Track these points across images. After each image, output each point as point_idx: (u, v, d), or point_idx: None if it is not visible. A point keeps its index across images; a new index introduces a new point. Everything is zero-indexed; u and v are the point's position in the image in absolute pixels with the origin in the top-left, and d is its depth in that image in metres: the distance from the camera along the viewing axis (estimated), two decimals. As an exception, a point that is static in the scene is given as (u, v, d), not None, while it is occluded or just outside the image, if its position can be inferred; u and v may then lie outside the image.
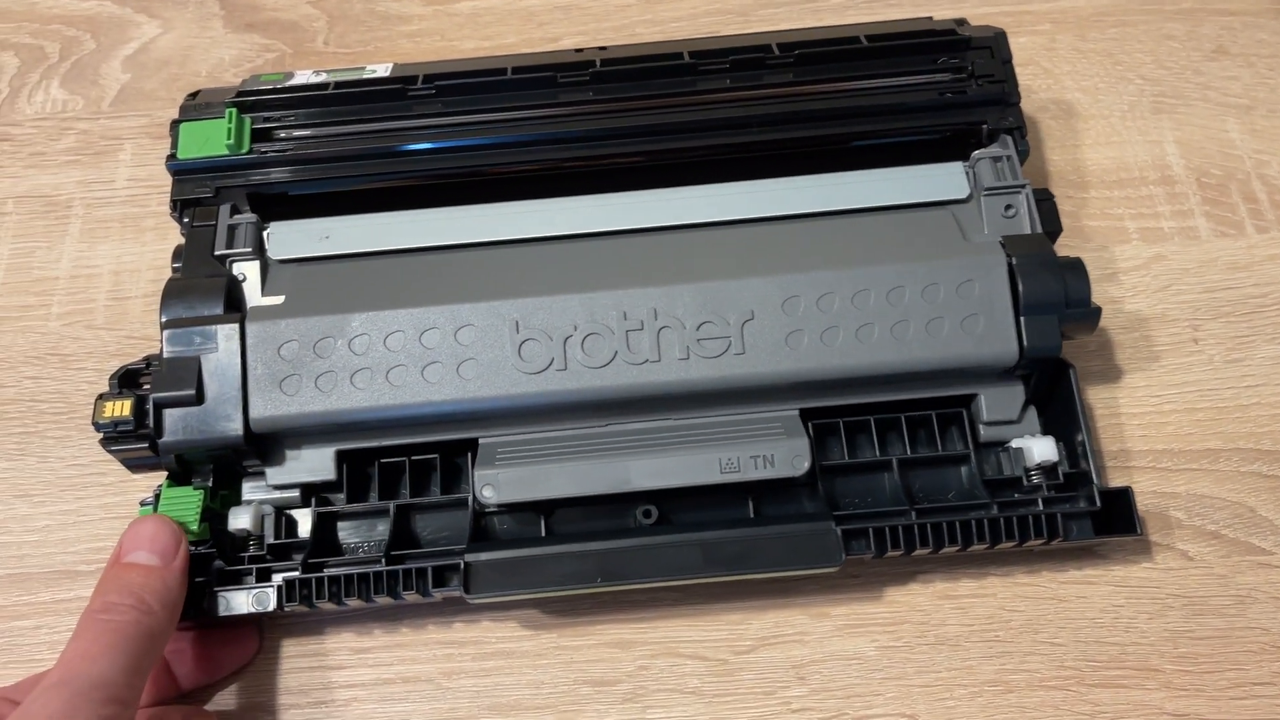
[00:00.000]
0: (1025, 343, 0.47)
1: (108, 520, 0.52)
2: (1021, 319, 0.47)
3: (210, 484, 0.48)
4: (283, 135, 0.53)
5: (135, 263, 0.58)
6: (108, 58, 0.64)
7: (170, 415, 0.46)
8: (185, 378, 0.46)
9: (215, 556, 0.47)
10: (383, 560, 0.46)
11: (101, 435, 0.46)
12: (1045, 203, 0.50)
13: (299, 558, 0.47)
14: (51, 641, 0.50)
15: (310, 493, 0.49)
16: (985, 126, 0.52)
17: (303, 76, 0.55)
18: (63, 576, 0.51)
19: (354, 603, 0.46)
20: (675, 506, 0.49)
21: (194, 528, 0.46)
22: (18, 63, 0.64)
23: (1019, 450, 0.49)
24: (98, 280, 0.58)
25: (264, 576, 0.47)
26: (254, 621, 0.49)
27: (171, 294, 0.48)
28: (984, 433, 0.49)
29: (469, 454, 0.49)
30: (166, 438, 0.46)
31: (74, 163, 0.61)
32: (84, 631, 0.40)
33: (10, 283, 0.58)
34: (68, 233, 0.59)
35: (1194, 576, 0.50)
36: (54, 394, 0.55)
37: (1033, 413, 0.49)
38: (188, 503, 0.46)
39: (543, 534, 0.49)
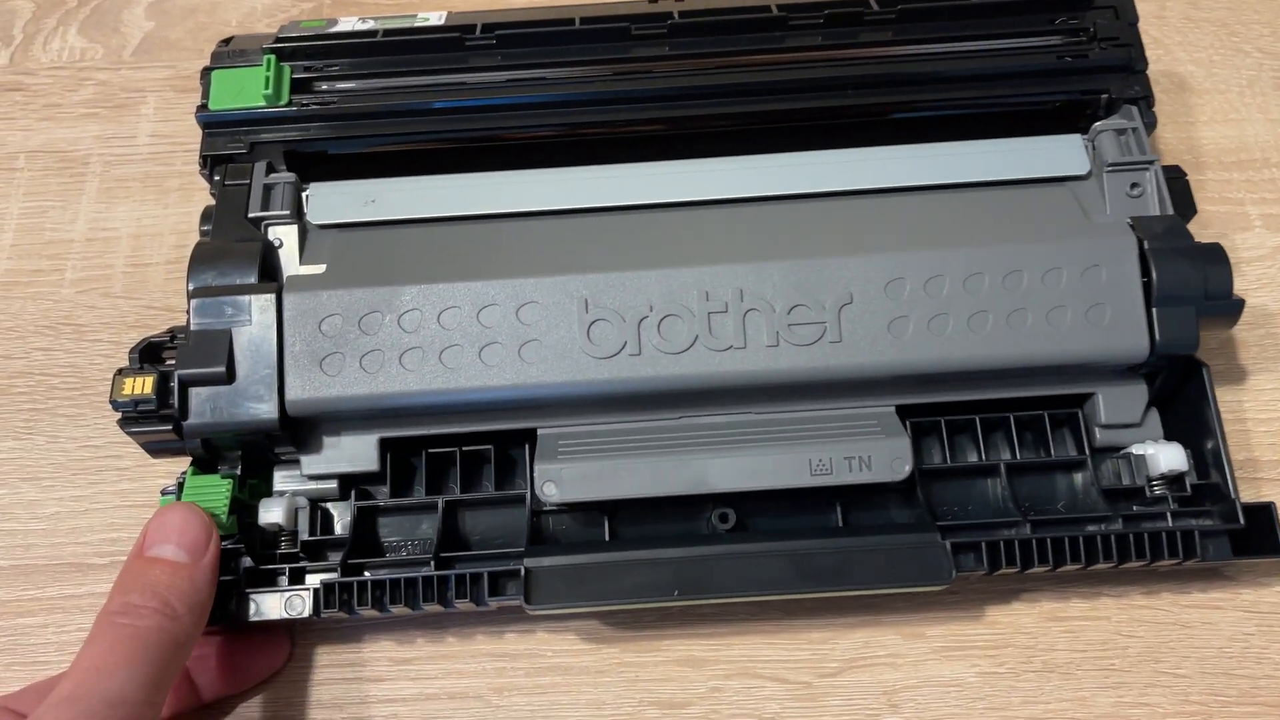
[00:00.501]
0: (1157, 337, 0.41)
1: (123, 508, 0.47)
2: (1154, 310, 0.42)
3: (239, 472, 0.43)
4: (325, 88, 0.48)
5: (157, 226, 0.53)
6: (130, 4, 0.59)
7: (197, 395, 0.41)
8: (214, 353, 0.41)
9: (243, 553, 0.42)
10: (431, 563, 0.41)
11: (120, 415, 0.41)
12: (1176, 181, 0.45)
13: (336, 557, 0.43)
14: (59, 642, 0.45)
15: (349, 484, 0.44)
16: (1106, 96, 0.47)
17: (348, 24, 0.49)
18: (72, 570, 0.46)
19: (399, 610, 0.41)
20: (752, 510, 0.44)
21: (222, 520, 0.41)
22: (33, 7, 0.59)
23: (1140, 458, 0.44)
24: (116, 244, 0.53)
25: (297, 578, 0.42)
26: (285, 626, 0.44)
27: (200, 259, 0.43)
28: (1100, 436, 0.44)
29: (525, 445, 0.44)
30: (192, 420, 0.41)
31: (92, 116, 0.56)
32: (100, 637, 0.36)
33: (21, 245, 0.53)
34: (84, 192, 0.54)
35: (1333, 603, 0.44)
36: (66, 367, 0.50)
37: (1155, 416, 0.44)
38: (215, 493, 0.41)
39: (607, 538, 0.44)
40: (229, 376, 0.41)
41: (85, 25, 0.58)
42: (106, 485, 0.48)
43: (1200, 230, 0.51)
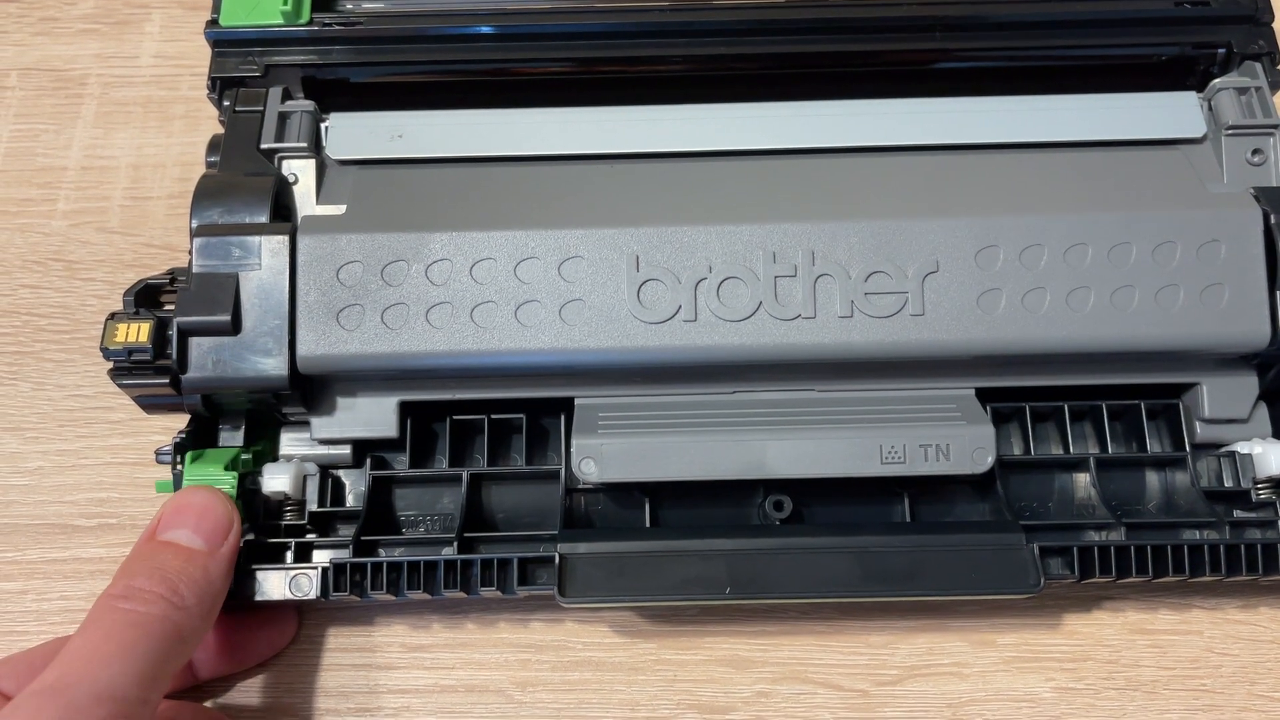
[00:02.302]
0: None
1: (114, 465, 0.43)
2: (1278, 294, 0.37)
3: (242, 457, 0.38)
4: (349, 6, 0.43)
5: (159, 156, 0.49)
6: (137, -92, 0.54)
7: (198, 345, 0.37)
8: (219, 300, 0.36)
9: (246, 524, 0.38)
10: (454, 544, 0.37)
11: (111, 364, 0.37)
12: (1305, 151, 0.40)
13: (347, 531, 0.39)
14: (39, 610, 0.41)
15: (363, 451, 0.40)
16: (1223, 51, 0.42)
17: (376, -64, 0.44)
18: (56, 531, 0.42)
19: (416, 595, 0.37)
20: (809, 497, 0.40)
21: None
22: (29, -92, 0.54)
23: (1246, 457, 0.39)
24: (113, 174, 0.48)
25: (304, 554, 0.38)
26: (287, 607, 0.40)
27: (206, 194, 0.38)
28: (1200, 431, 0.40)
29: (561, 415, 0.40)
30: (191, 373, 0.37)
31: (91, 32, 0.52)
32: (97, 622, 0.32)
33: (9, 171, 0.49)
34: (80, 115, 0.50)
35: None
36: (56, 308, 0.46)
37: (1264, 412, 0.40)
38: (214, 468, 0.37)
39: (649, 523, 0.39)
40: (234, 327, 0.36)
41: (87, -69, 0.53)
42: (96, 440, 0.44)
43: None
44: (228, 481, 0.37)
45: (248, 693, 0.40)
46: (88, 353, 0.45)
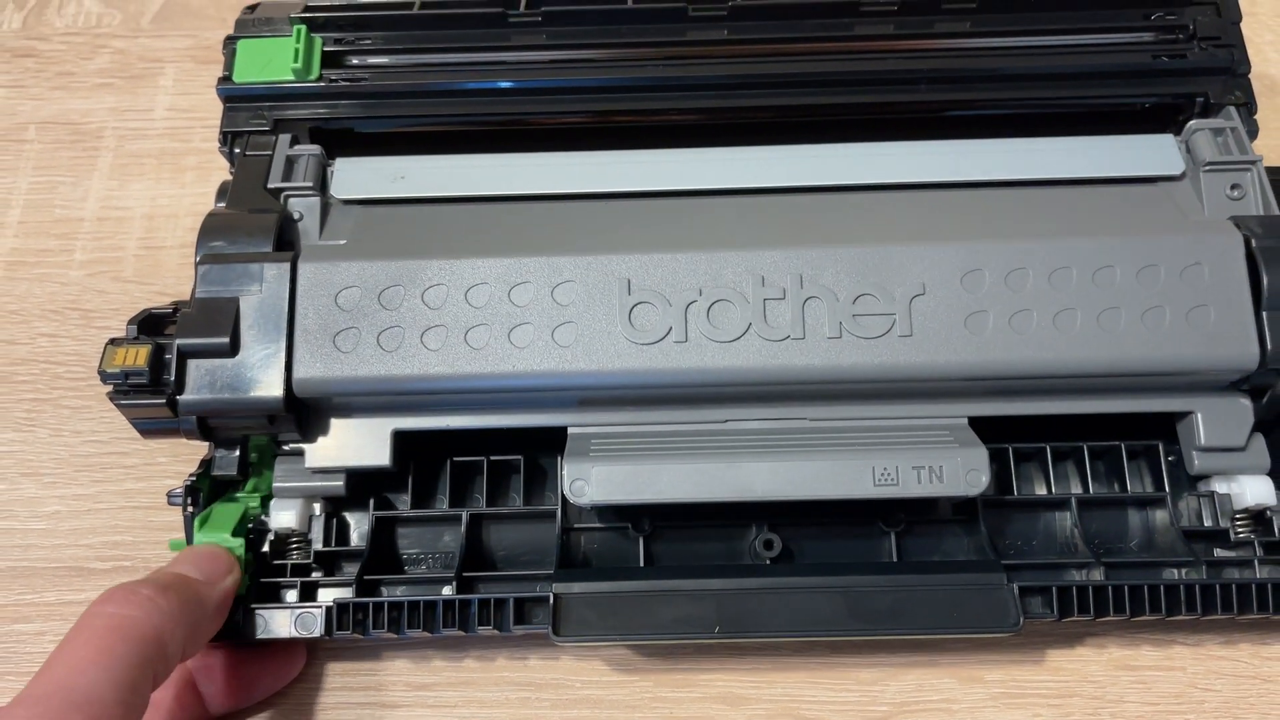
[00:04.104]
0: (1269, 345, 0.37)
1: (128, 510, 0.45)
2: (1264, 315, 0.37)
3: (237, 471, 0.40)
4: (356, 62, 0.45)
5: (172, 206, 0.50)
6: (152, -33, 0.56)
7: (196, 367, 0.38)
8: (218, 322, 0.37)
9: (252, 564, 0.39)
10: (453, 584, 0.38)
11: (110, 387, 0.38)
12: (1281, 184, 0.41)
13: (351, 569, 0.40)
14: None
15: (358, 483, 0.41)
16: (1201, 100, 0.43)
17: (381, -6, 0.46)
18: (72, 574, 0.44)
19: (417, 634, 0.38)
20: (799, 537, 0.41)
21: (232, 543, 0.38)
22: (49, -33, 0.56)
23: (1225, 496, 0.40)
24: (128, 225, 0.50)
25: (309, 593, 0.39)
26: (294, 641, 0.41)
27: (212, 229, 0.39)
28: (1198, 462, 0.40)
29: (557, 457, 0.41)
30: (188, 395, 0.37)
31: (107, 86, 0.53)
32: (80, 629, 0.32)
33: (29, 222, 0.50)
34: (96, 167, 0.51)
35: None
36: (72, 355, 0.47)
37: (1260, 444, 0.40)
38: (225, 518, 0.38)
39: (642, 562, 0.40)
40: (232, 349, 0.37)
41: (104, -11, 0.55)
42: (111, 484, 0.45)
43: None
44: (235, 545, 0.38)
45: (256, 728, 0.41)
46: (103, 399, 0.46)
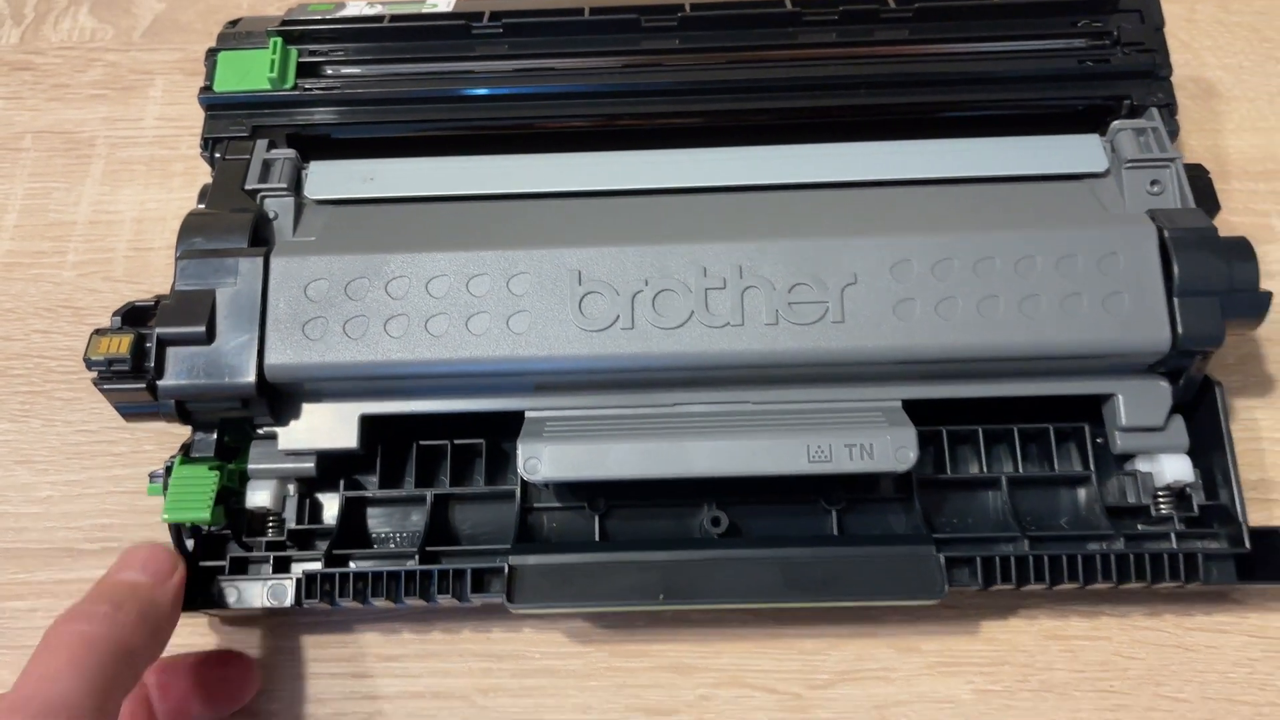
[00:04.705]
0: (1180, 330, 0.39)
1: (116, 494, 0.47)
2: (1175, 301, 0.40)
3: (213, 453, 0.42)
4: (330, 72, 0.47)
5: (160, 210, 0.53)
6: (143, -16, 0.59)
7: (174, 355, 0.40)
8: (195, 312, 0.40)
9: (230, 539, 0.42)
10: (416, 557, 0.41)
11: (94, 374, 0.41)
12: (1199, 179, 0.43)
13: (322, 546, 0.42)
14: (47, 627, 0.45)
15: (328, 465, 0.43)
16: (1127, 102, 0.45)
17: (355, 8, 0.49)
18: (63, 554, 0.46)
19: (381, 603, 0.40)
20: (746, 516, 0.43)
21: (205, 515, 0.40)
22: (46, -15, 0.59)
23: (1147, 474, 0.42)
24: (119, 228, 0.53)
25: (282, 566, 0.42)
26: (251, 661, 0.43)
27: (191, 227, 0.42)
28: (1120, 442, 0.42)
29: (517, 440, 0.44)
30: (167, 380, 0.40)
31: (100, 97, 0.56)
32: (47, 644, 0.34)
33: (24, 226, 0.53)
34: (89, 174, 0.54)
35: (1344, 631, 0.43)
36: (65, 350, 0.50)
37: (1180, 424, 0.42)
38: (200, 484, 0.41)
39: (597, 538, 0.43)
40: (209, 337, 0.40)
41: (97, 5, 0.58)
42: (100, 470, 0.48)
43: (1221, 242, 0.50)
44: (210, 478, 0.40)
45: (234, 699, 0.44)
46: (93, 392, 0.48)
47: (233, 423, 0.42)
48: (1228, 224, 0.50)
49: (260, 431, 0.43)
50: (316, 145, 0.47)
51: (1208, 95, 0.54)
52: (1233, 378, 0.47)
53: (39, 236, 0.53)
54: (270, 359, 0.40)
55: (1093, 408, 0.43)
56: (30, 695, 0.32)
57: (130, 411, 0.42)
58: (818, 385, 0.42)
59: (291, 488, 0.43)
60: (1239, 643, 0.43)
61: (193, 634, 0.44)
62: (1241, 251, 0.40)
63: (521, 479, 0.42)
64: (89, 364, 0.40)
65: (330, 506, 0.44)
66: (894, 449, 0.39)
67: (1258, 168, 0.52)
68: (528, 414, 0.42)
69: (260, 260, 0.41)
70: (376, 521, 0.44)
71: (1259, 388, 0.47)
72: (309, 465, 0.42)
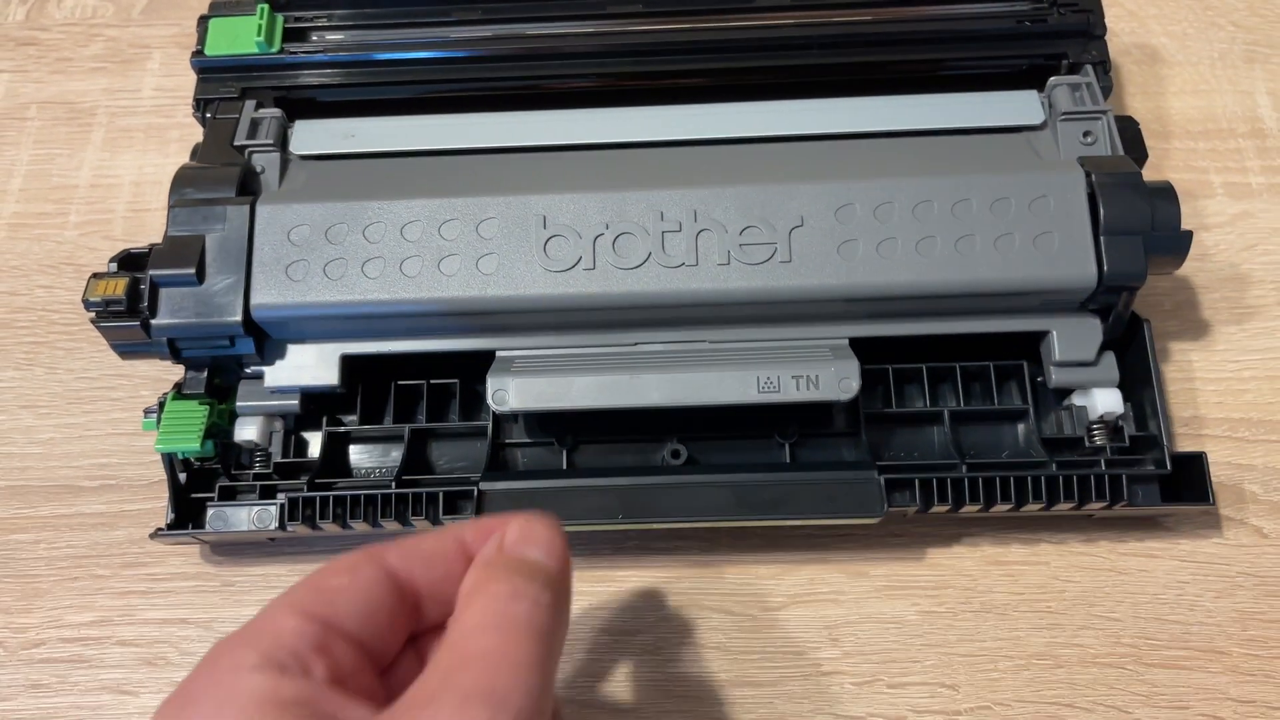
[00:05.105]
0: (1105, 267, 0.42)
1: (114, 436, 0.50)
2: (1102, 239, 0.42)
3: (205, 391, 0.45)
4: (315, 37, 0.50)
5: (157, 174, 0.56)
6: (142, -37, 0.62)
7: (167, 295, 0.43)
8: (186, 255, 0.43)
9: (220, 473, 0.45)
10: (393, 484, 0.43)
11: (93, 314, 0.43)
12: (1128, 129, 0.46)
13: (306, 479, 0.45)
14: (49, 557, 0.48)
15: (313, 403, 0.46)
16: (1066, 60, 0.48)
17: (339, -22, 0.52)
18: (64, 491, 0.49)
19: (360, 526, 0.43)
20: (707, 449, 0.46)
21: (195, 445, 0.43)
22: (50, -35, 0.62)
23: (1082, 408, 0.45)
24: (118, 190, 0.56)
25: (268, 494, 0.44)
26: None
27: (183, 179, 0.45)
28: (1055, 376, 0.44)
29: (487, 375, 0.46)
30: (160, 318, 0.43)
31: (100, 70, 0.59)
32: (489, 632, 0.29)
33: (29, 189, 0.56)
34: (90, 141, 0.57)
35: (1268, 555, 0.46)
36: (67, 304, 0.53)
37: (1110, 359, 0.45)
38: (191, 417, 0.44)
39: (564, 467, 0.46)
40: (199, 278, 0.43)
41: (99, -17, 0.61)
42: (99, 414, 0.51)
43: (1162, 197, 0.52)
44: (200, 412, 0.43)
45: (225, 621, 0.46)
46: (93, 341, 0.51)
47: (222, 362, 0.45)
48: (1169, 181, 0.53)
49: (248, 371, 0.46)
50: (303, 105, 0.50)
51: (1152, 60, 0.56)
52: (1170, 323, 0.50)
53: (43, 199, 0.55)
54: (256, 299, 0.43)
55: (1032, 347, 0.46)
56: (488, 687, 0.27)
57: (126, 349, 0.44)
58: (769, 324, 0.44)
59: (278, 424, 0.46)
60: (1169, 566, 0.45)
61: (185, 563, 0.47)
62: (1164, 194, 0.43)
63: (494, 414, 0.45)
64: (87, 305, 0.43)
65: (315, 445, 0.47)
66: (838, 380, 0.42)
67: (1197, 127, 0.55)
68: (498, 353, 0.45)
69: (246, 208, 0.44)
70: (358, 457, 0.47)
71: (1194, 331, 0.50)
72: (293, 403, 0.45)
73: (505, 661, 0.28)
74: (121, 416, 0.50)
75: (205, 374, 0.45)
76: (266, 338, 0.45)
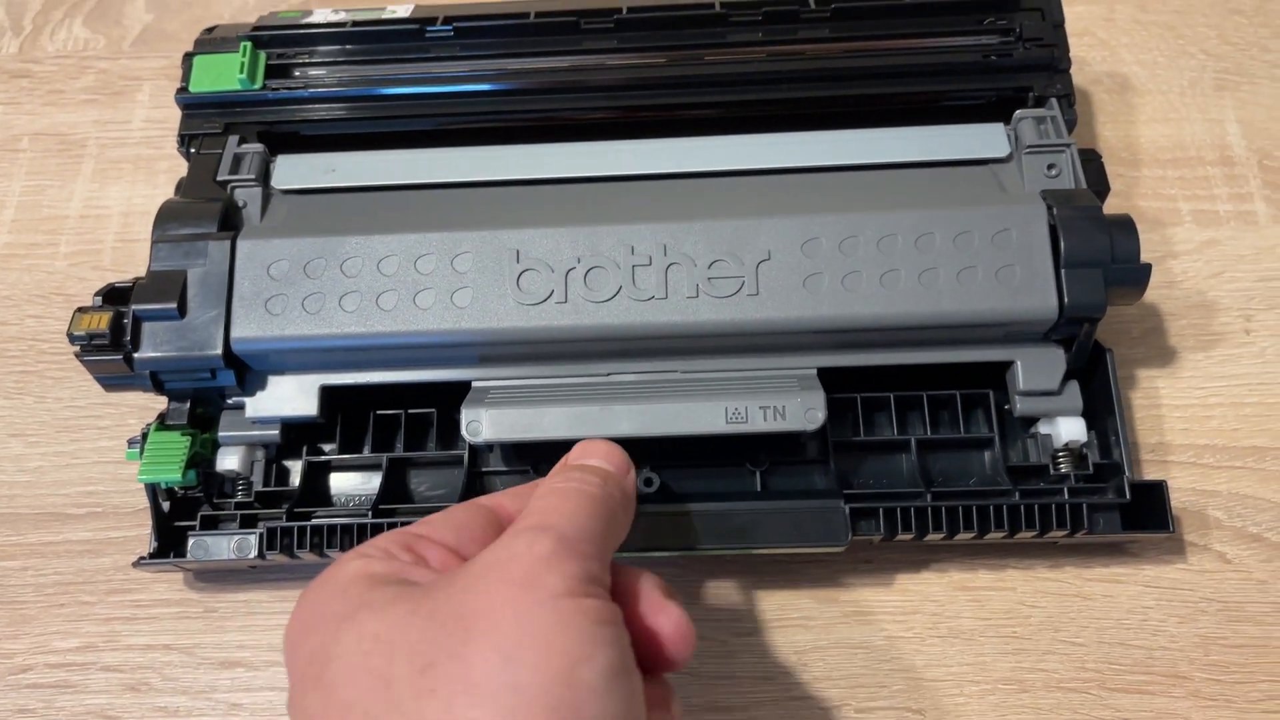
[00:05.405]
0: (1066, 298, 0.43)
1: (101, 464, 0.51)
2: (1063, 272, 0.43)
3: (187, 422, 0.46)
4: (297, 73, 0.51)
5: (146, 205, 0.57)
6: (133, -4, 0.63)
7: (149, 329, 0.44)
8: (168, 290, 0.44)
9: (203, 501, 0.46)
10: (369, 514, 0.44)
11: (77, 348, 0.44)
12: (1092, 163, 0.47)
13: (287, 507, 0.46)
14: (37, 584, 0.49)
15: (292, 431, 0.47)
16: (1031, 93, 0.49)
17: (321, 14, 0.53)
18: (52, 519, 0.50)
19: (336, 555, 0.44)
20: (680, 476, 0.47)
21: (177, 475, 0.44)
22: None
23: (1047, 436, 0.46)
24: (107, 221, 0.57)
25: (249, 524, 0.45)
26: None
27: (166, 214, 0.46)
28: (1020, 405, 0.45)
29: (461, 406, 0.47)
30: (143, 352, 0.44)
31: (91, 102, 0.60)
32: (548, 495, 0.35)
33: (21, 220, 0.57)
34: (80, 172, 0.58)
35: (1231, 580, 0.46)
36: (56, 334, 0.54)
37: (1075, 388, 0.45)
38: (173, 448, 0.45)
39: (539, 497, 0.47)
40: (180, 313, 0.44)
41: (90, 17, 0.63)
42: (87, 442, 0.52)
43: (1131, 225, 0.53)
44: (182, 442, 0.44)
45: (210, 649, 0.47)
46: (81, 371, 0.52)
47: (204, 394, 0.46)
48: (1139, 209, 0.54)
49: (229, 402, 0.47)
50: (286, 140, 0.51)
51: (1123, 89, 0.57)
52: (1137, 349, 0.51)
53: (34, 230, 0.57)
54: (236, 332, 0.44)
55: (998, 376, 0.47)
56: (553, 521, 0.33)
57: (110, 382, 0.45)
58: (738, 355, 0.45)
59: (260, 453, 0.47)
60: (1134, 592, 0.46)
61: (169, 589, 0.48)
62: (1123, 228, 0.44)
63: (470, 445, 0.46)
64: (72, 339, 0.44)
65: (297, 473, 0.48)
66: (804, 410, 0.43)
67: (1167, 156, 0.55)
68: (474, 384, 0.46)
69: (228, 243, 0.45)
70: (338, 485, 0.48)
71: (1160, 358, 0.51)
72: (274, 433, 0.46)
73: (556, 509, 0.34)
74: (108, 445, 0.51)
75: (188, 405, 0.46)
76: (247, 370, 0.46)
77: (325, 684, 0.30)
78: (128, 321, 0.44)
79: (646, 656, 0.34)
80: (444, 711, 0.28)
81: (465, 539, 0.35)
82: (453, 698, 0.28)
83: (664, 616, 0.35)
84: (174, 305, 0.44)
